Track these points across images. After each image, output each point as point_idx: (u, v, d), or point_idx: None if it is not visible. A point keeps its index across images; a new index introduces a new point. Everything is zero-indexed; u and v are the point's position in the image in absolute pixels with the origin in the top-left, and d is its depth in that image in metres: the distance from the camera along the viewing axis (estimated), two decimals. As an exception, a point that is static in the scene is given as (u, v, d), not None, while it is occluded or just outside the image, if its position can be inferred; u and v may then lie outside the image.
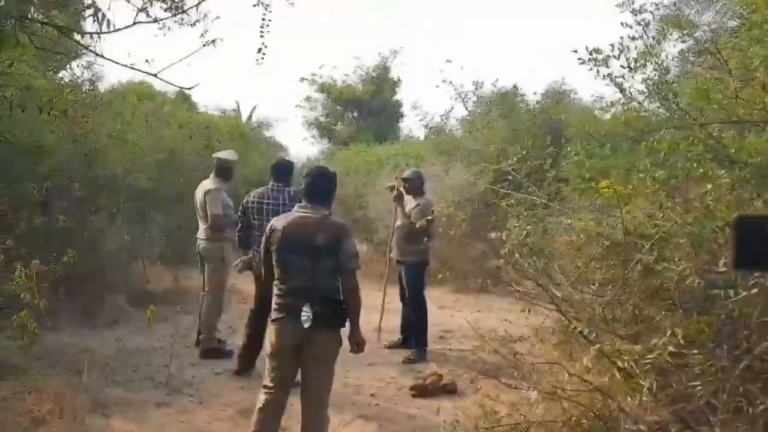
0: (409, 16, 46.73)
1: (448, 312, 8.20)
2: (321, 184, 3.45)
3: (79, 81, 8.48)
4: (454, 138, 12.75)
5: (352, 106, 22.71)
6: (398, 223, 6.14)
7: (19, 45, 3.23)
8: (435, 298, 8.14)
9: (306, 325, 3.18)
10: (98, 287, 6.78)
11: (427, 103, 44.71)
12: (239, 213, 5.30)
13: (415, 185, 6.10)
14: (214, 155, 6.12)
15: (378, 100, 22.22)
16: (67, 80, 8.19)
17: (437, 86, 15.49)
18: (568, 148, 4.56)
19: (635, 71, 2.88)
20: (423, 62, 36.33)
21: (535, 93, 13.03)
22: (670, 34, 3.16)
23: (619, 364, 2.36)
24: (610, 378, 2.50)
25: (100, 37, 2.97)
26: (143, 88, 17.86)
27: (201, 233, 5.85)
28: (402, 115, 23.13)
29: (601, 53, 2.87)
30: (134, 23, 3.01)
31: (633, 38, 2.90)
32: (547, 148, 4.34)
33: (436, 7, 47.19)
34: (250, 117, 23.28)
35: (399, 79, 23.15)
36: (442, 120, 13.87)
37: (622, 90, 2.94)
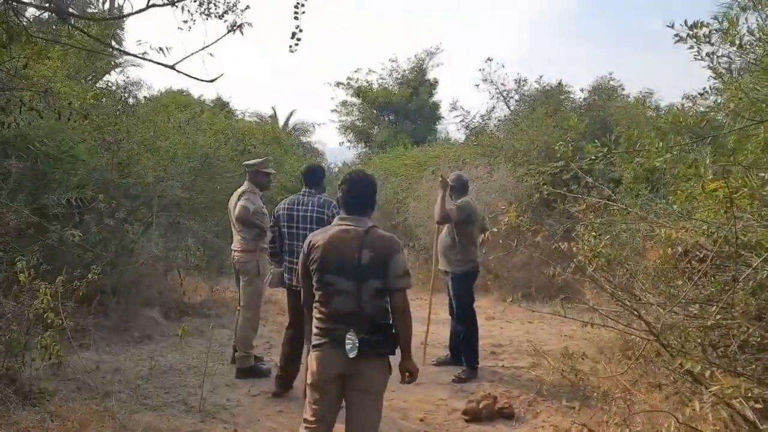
0: (450, 10, 46.26)
1: (498, 324, 7.69)
2: (361, 191, 3.01)
3: (114, 88, 8.35)
4: (497, 138, 12.22)
5: (389, 109, 22.35)
6: (443, 231, 5.72)
7: (30, 42, 2.95)
8: (482, 308, 7.66)
9: (351, 355, 2.77)
10: (132, 301, 6.53)
11: (465, 101, 44.08)
12: (271, 223, 4.93)
13: (457, 190, 5.69)
14: (244, 163, 5.78)
15: (415, 103, 21.80)
16: (102, 87, 8.07)
17: (477, 85, 15.07)
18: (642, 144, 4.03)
19: (745, 50, 2.36)
20: (462, 59, 35.60)
21: (582, 89, 12.43)
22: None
23: (749, 415, 1.87)
24: (729, 427, 2.02)
25: (109, 24, 2.63)
26: (182, 97, 17.95)
27: (236, 244, 5.52)
28: (440, 117, 22.69)
29: (705, 27, 2.36)
30: (148, 6, 2.64)
31: (744, 8, 2.41)
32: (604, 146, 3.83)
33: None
34: (287, 122, 23.18)
35: (436, 81, 22.74)
36: (483, 120, 13.34)
37: (728, 73, 2.43)
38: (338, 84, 22.42)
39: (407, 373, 3.02)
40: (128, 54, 2.86)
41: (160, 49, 2.84)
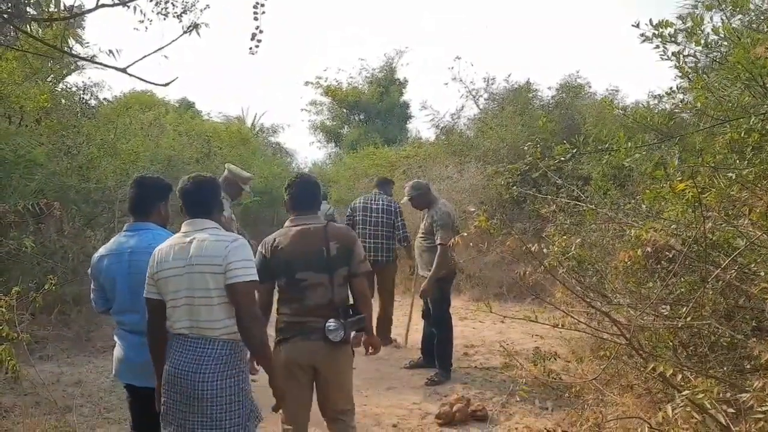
0: (415, 11, 46.37)
1: (470, 324, 7.67)
2: (312, 190, 3.23)
3: (74, 90, 8.09)
4: (467, 138, 12.23)
5: (359, 108, 22.24)
6: (420, 235, 5.59)
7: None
8: (455, 308, 7.60)
9: (337, 338, 2.92)
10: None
11: (435, 101, 44.26)
12: (347, 215, 6.33)
13: (420, 199, 5.49)
14: (232, 167, 5.46)
15: (385, 102, 21.73)
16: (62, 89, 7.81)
17: (446, 84, 15.03)
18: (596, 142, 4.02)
19: (711, 48, 2.36)
20: (430, 59, 35.68)
21: (549, 88, 12.52)
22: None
23: (721, 420, 1.85)
24: (700, 431, 2.00)
25: (49, 25, 2.48)
26: (145, 97, 17.55)
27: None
28: (410, 117, 22.66)
29: (670, 26, 2.36)
30: (97, 6, 2.50)
31: (709, 7, 2.41)
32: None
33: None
34: (254, 123, 22.91)
35: (405, 80, 22.71)
36: (453, 119, 13.34)
37: (693, 71, 2.42)
38: (307, 83, 22.26)
39: (371, 347, 3.20)
40: (78, 57, 2.74)
41: (110, 51, 2.72)
